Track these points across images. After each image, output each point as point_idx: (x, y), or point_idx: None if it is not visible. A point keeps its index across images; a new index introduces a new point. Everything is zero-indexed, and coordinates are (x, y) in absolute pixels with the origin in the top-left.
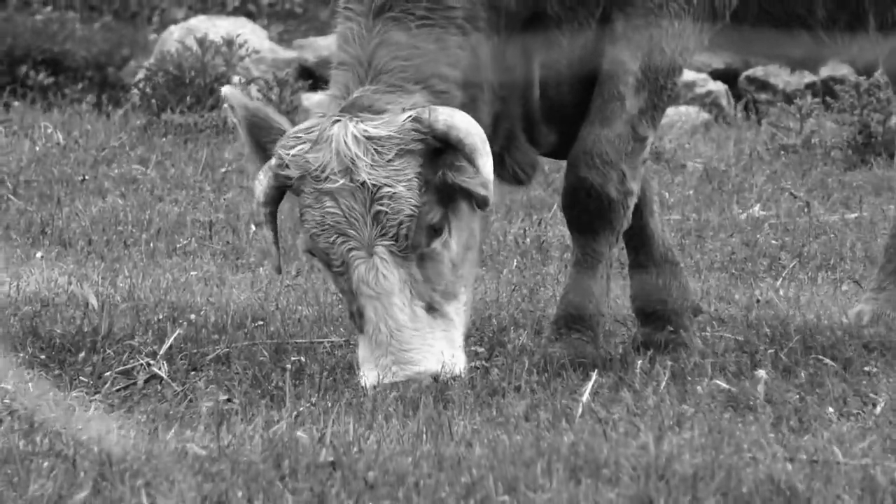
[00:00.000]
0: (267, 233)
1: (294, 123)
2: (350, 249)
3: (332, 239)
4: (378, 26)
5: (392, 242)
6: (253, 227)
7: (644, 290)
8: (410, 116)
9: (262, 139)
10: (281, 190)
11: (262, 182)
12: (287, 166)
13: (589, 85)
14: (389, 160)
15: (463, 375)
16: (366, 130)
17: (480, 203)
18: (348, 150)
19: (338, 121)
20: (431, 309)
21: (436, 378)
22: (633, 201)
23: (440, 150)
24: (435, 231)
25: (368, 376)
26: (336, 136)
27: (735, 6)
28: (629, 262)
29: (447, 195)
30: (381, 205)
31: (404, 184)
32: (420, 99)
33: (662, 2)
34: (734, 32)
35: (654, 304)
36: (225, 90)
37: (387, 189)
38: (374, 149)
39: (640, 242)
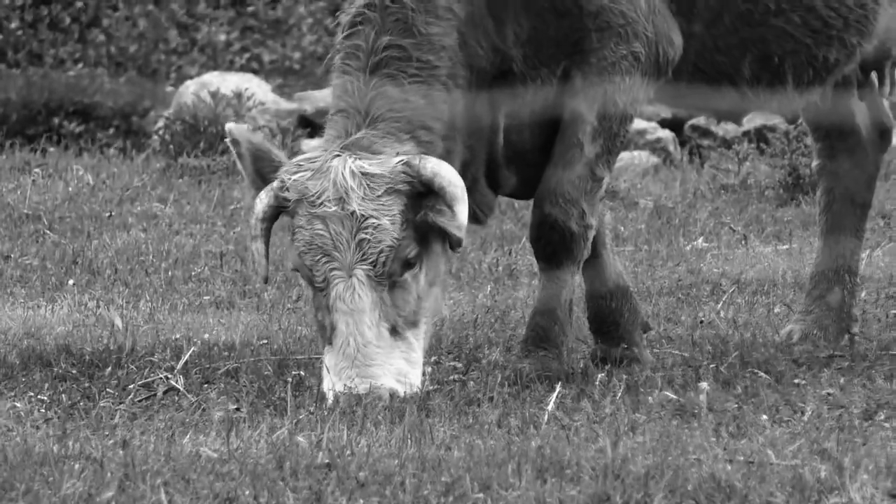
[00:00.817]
0: (260, 246)
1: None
2: (332, 269)
3: (317, 258)
4: (374, 80)
5: (370, 267)
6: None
7: (600, 312)
8: (402, 161)
9: (265, 170)
10: (278, 209)
11: (262, 200)
12: (287, 189)
13: (548, 132)
14: (379, 196)
15: (418, 392)
16: (362, 167)
17: (454, 244)
18: (344, 182)
19: (338, 156)
20: (395, 332)
21: (392, 394)
22: (592, 234)
23: (423, 194)
24: (409, 264)
25: (335, 386)
26: (335, 169)
27: (675, 64)
28: (586, 288)
29: (424, 235)
30: (366, 233)
31: (389, 218)
32: (410, 148)
33: (615, 60)
34: (671, 87)
35: (608, 324)
36: (229, 126)
37: (373, 220)
38: (367, 184)
39: (595, 270)
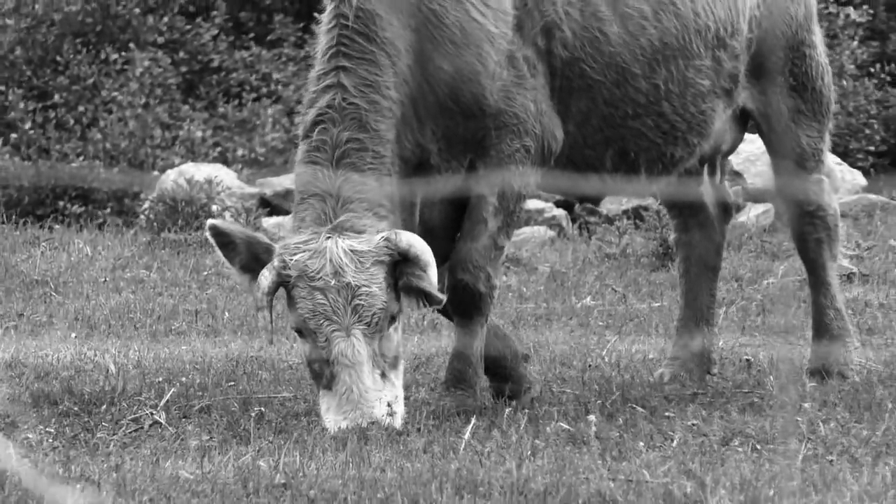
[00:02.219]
0: (266, 314)
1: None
2: (333, 330)
3: (320, 322)
4: (340, 169)
5: (366, 327)
6: (227, 314)
7: (488, 357)
8: (383, 237)
9: (259, 253)
10: (279, 284)
11: (266, 277)
12: (289, 268)
13: (451, 211)
14: (367, 268)
15: (402, 424)
16: (352, 245)
17: (435, 302)
18: (339, 260)
19: (329, 237)
20: (383, 375)
21: (388, 426)
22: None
23: (399, 261)
24: (393, 319)
25: (338, 424)
26: (330, 249)
27: (557, 155)
28: None
29: (400, 293)
30: (360, 300)
31: (377, 285)
32: (383, 224)
33: (510, 153)
34: (549, 175)
35: (496, 366)
36: (212, 221)
37: (365, 289)
38: (358, 259)
39: None
